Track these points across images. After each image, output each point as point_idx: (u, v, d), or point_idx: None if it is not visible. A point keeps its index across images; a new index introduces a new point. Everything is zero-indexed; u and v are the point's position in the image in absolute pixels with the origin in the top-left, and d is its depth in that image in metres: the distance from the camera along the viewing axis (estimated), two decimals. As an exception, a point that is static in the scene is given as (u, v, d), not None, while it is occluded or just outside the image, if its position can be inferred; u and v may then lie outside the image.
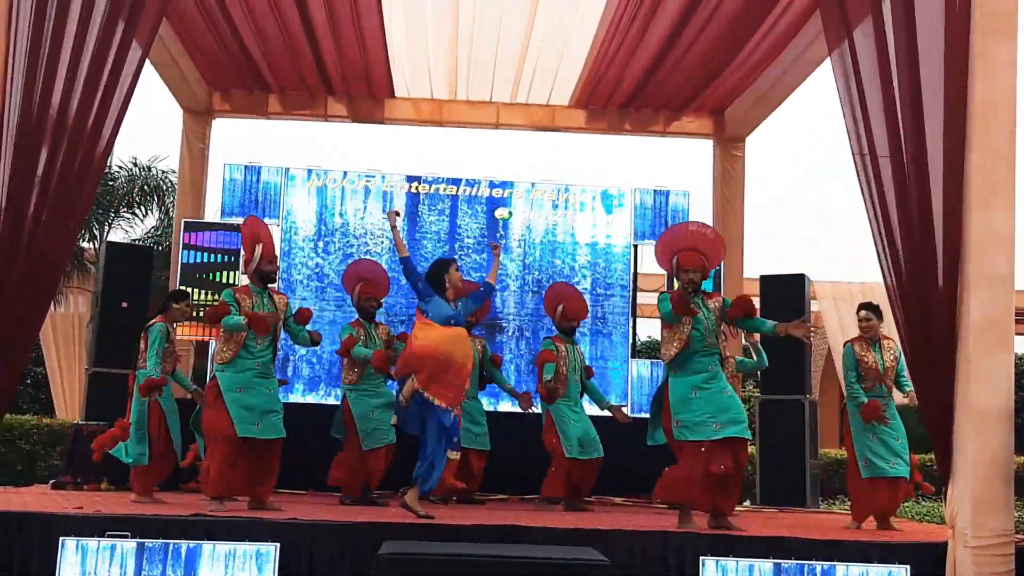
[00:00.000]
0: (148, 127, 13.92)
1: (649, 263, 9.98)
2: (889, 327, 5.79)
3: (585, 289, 9.11)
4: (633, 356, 9.23)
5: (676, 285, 5.91)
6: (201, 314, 8.60)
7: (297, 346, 6.31)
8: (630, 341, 9.27)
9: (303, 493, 7.35)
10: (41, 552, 4.66)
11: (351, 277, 7.25)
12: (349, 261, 8.39)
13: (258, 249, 6.05)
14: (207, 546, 4.31)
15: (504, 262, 8.84)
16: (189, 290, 8.18)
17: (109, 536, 4.33)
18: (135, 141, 18.34)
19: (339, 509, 6.25)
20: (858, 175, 5.06)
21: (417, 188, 9.30)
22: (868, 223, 5.03)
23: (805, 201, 35.20)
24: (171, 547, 4.27)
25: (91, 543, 4.26)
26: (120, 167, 13.83)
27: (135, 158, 13.97)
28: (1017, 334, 5.38)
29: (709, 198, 9.92)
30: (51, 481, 7.54)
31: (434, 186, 9.33)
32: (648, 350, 15.06)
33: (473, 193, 9.34)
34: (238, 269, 8.92)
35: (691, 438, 5.45)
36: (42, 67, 4.92)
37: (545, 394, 7.17)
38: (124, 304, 7.99)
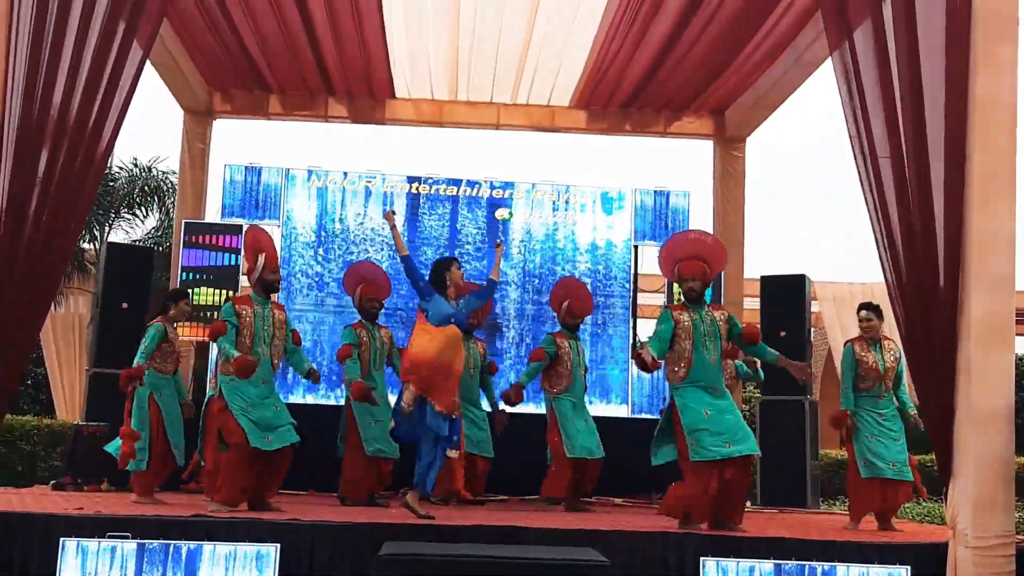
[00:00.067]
0: (148, 128, 13.91)
1: (649, 264, 9.99)
2: (891, 327, 5.80)
3: (585, 289, 9.09)
4: (633, 357, 9.22)
5: (677, 293, 5.93)
6: (201, 315, 8.63)
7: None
8: (630, 342, 9.26)
9: (303, 493, 7.35)
10: (41, 553, 4.66)
11: (351, 279, 7.26)
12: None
13: (261, 258, 6.04)
14: (207, 547, 4.31)
15: (504, 267, 8.84)
16: (188, 290, 8.18)
17: (109, 537, 4.33)
18: (135, 142, 18.35)
19: (339, 510, 6.25)
20: (859, 175, 5.07)
21: (417, 189, 9.30)
22: (869, 223, 5.03)
23: (805, 201, 35.19)
24: (171, 548, 4.27)
25: (91, 544, 4.26)
26: (120, 168, 13.81)
27: (135, 159, 13.96)
28: (1017, 334, 5.37)
29: (709, 198, 9.92)
30: (51, 482, 7.53)
31: (434, 187, 9.33)
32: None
33: (473, 194, 9.34)
34: (239, 272, 8.92)
35: (708, 458, 5.43)
36: (43, 68, 4.92)
37: (506, 397, 7.30)
38: (124, 305, 7.99)
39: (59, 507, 5.46)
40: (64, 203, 4.94)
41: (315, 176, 9.26)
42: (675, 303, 6.00)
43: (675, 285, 5.99)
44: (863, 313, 6.48)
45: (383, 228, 9.04)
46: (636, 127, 9.95)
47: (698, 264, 5.76)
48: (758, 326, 5.98)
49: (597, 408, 8.02)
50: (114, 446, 6.41)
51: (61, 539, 4.28)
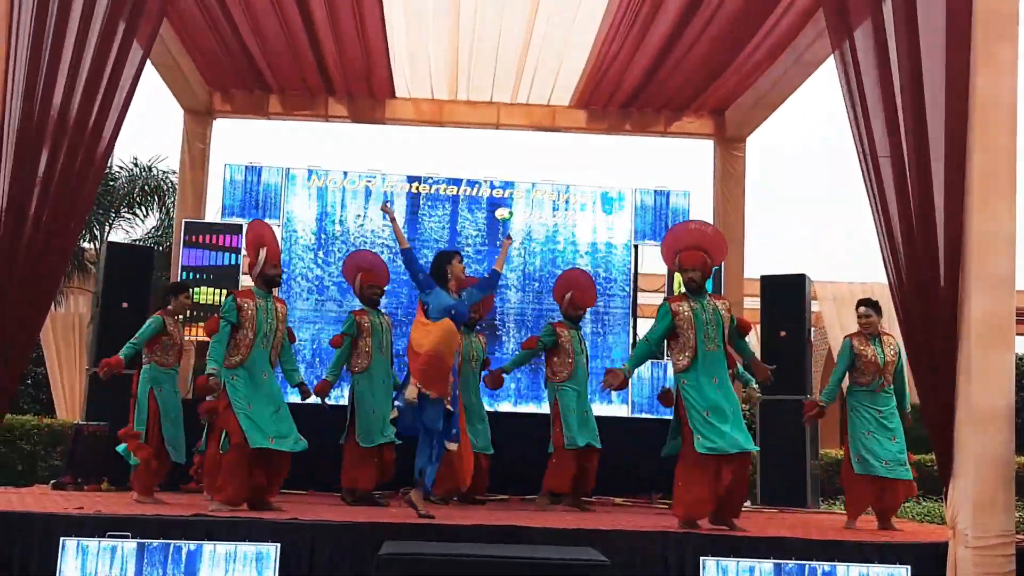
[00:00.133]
0: (149, 127, 13.91)
1: (649, 263, 10.01)
2: (892, 325, 5.82)
3: (586, 289, 9.09)
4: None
5: (678, 284, 5.97)
6: (200, 315, 8.63)
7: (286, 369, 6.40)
8: (630, 341, 9.26)
9: (303, 493, 7.35)
10: (41, 552, 4.66)
11: (351, 268, 7.30)
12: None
13: (262, 253, 6.04)
14: (207, 546, 4.31)
15: (504, 269, 8.83)
16: (188, 283, 8.19)
17: (109, 536, 4.33)
18: (136, 141, 18.35)
19: (339, 509, 6.24)
20: (862, 175, 5.07)
21: (417, 188, 9.30)
22: (871, 222, 5.04)
23: (805, 201, 35.20)
24: (171, 547, 4.27)
25: (91, 544, 4.26)
26: (121, 167, 13.81)
27: (136, 158, 13.97)
28: (1017, 334, 5.38)
29: (709, 198, 9.92)
30: (52, 481, 7.53)
31: (434, 186, 9.33)
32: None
33: (474, 193, 9.34)
34: (239, 272, 8.92)
35: (711, 451, 5.48)
36: (43, 68, 4.92)
37: (488, 382, 7.38)
38: (124, 304, 7.99)
39: (59, 507, 5.45)
40: (64, 203, 4.94)
41: (315, 176, 9.27)
42: (676, 294, 6.02)
43: (676, 276, 6.03)
44: (862, 309, 6.49)
45: (383, 230, 9.03)
46: (636, 127, 9.95)
47: (699, 254, 5.80)
48: (749, 322, 6.09)
49: (597, 408, 7.99)
50: (123, 447, 6.44)
51: (61, 538, 4.28)
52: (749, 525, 5.63)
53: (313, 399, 6.61)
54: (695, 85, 9.16)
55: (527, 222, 9.34)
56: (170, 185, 13.35)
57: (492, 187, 9.37)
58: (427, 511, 5.47)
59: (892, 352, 6.35)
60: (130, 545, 4.26)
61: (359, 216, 9.21)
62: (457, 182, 9.37)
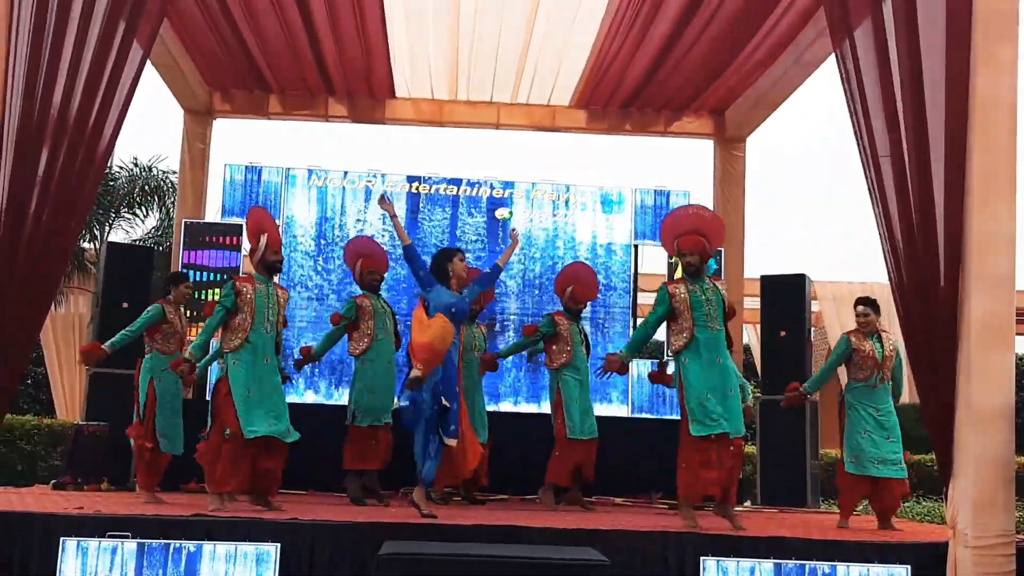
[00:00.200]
0: (149, 127, 13.92)
1: (649, 263, 10.01)
2: (892, 325, 5.83)
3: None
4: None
5: (678, 267, 6.07)
6: (199, 315, 8.63)
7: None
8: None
9: (303, 493, 7.35)
10: (41, 552, 4.66)
11: (351, 253, 7.36)
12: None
13: (263, 239, 6.04)
14: (207, 546, 4.31)
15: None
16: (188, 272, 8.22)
17: (109, 536, 4.33)
18: (136, 141, 18.37)
19: (339, 509, 6.24)
20: (863, 174, 5.07)
21: (418, 188, 9.30)
22: (871, 222, 5.04)
23: (805, 201, 35.20)
24: (171, 547, 4.27)
25: (91, 543, 4.26)
26: (121, 167, 13.83)
27: (136, 158, 13.99)
28: (1017, 334, 5.38)
29: (709, 198, 9.91)
30: (51, 481, 7.53)
31: (434, 186, 9.33)
32: (649, 350, 15.02)
33: (474, 193, 9.33)
34: (239, 272, 8.91)
35: (703, 433, 5.57)
36: (43, 68, 4.92)
37: (483, 364, 7.42)
38: (124, 304, 8.00)
39: (59, 507, 5.45)
40: (64, 203, 4.94)
41: (315, 176, 9.26)
42: (674, 278, 6.10)
43: (676, 261, 6.12)
44: (860, 308, 6.50)
45: (383, 234, 9.00)
46: (636, 127, 9.95)
47: (697, 239, 5.87)
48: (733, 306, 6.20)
49: (597, 408, 7.98)
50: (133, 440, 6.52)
51: (61, 538, 4.28)
52: (749, 525, 5.64)
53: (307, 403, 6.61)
54: (695, 85, 9.15)
55: (527, 222, 9.33)
56: (170, 185, 13.36)
57: (492, 187, 9.37)
58: (430, 511, 5.47)
59: (890, 347, 6.36)
60: (130, 545, 4.26)
61: (359, 220, 9.18)
62: (457, 182, 9.36)
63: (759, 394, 7.93)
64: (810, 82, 8.47)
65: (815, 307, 11.55)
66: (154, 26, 5.48)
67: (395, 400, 7.08)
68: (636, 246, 9.41)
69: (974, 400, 4.65)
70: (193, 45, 8.64)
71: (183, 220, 9.23)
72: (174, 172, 12.13)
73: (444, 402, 5.62)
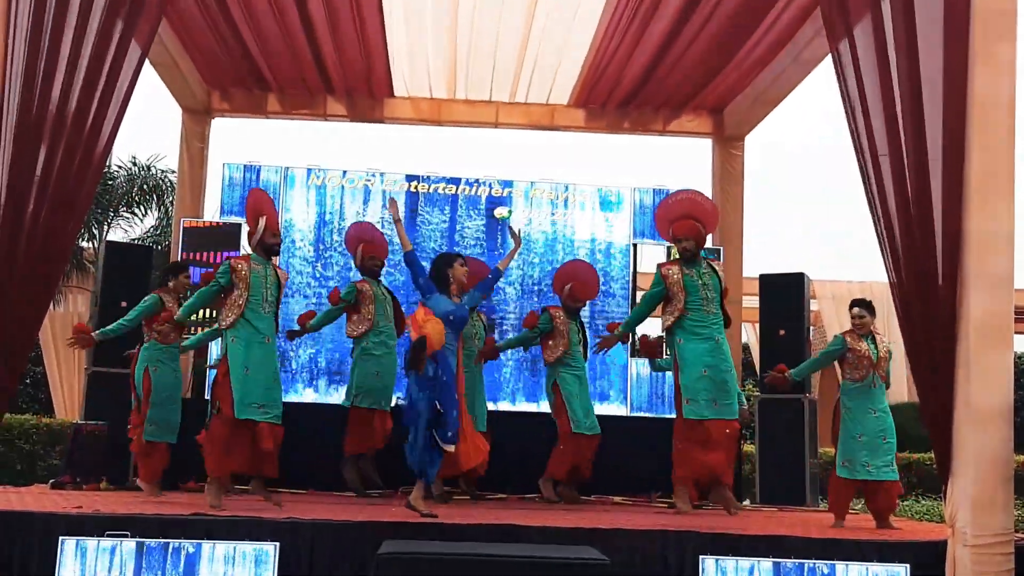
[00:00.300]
0: (147, 126, 13.91)
1: (649, 263, 9.98)
2: (891, 324, 5.85)
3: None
4: (633, 356, 9.21)
5: (675, 253, 6.16)
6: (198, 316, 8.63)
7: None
8: (629, 341, 9.25)
9: (303, 493, 7.35)
10: (41, 552, 4.65)
11: (353, 239, 7.47)
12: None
13: (262, 222, 6.03)
14: (207, 546, 4.30)
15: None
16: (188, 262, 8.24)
17: (109, 536, 4.33)
18: (134, 140, 18.35)
19: (339, 509, 6.23)
20: (861, 173, 5.07)
21: (417, 187, 9.29)
22: (870, 221, 5.04)
23: (804, 200, 35.20)
24: (171, 547, 4.27)
25: (91, 543, 4.26)
26: (119, 166, 13.82)
27: (134, 157, 13.98)
28: (1017, 333, 5.38)
29: (708, 197, 9.90)
30: (50, 481, 7.53)
31: (433, 185, 9.32)
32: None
33: (473, 192, 9.33)
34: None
35: (697, 417, 5.64)
36: (41, 67, 4.91)
37: (488, 348, 7.46)
38: (123, 303, 7.99)
39: (58, 506, 5.45)
40: (63, 202, 4.94)
41: (314, 175, 9.25)
42: (669, 260, 6.15)
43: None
44: (855, 310, 6.49)
45: (383, 232, 8.99)
46: (635, 125, 9.94)
47: (692, 224, 5.98)
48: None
49: (597, 408, 7.99)
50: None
51: (60, 538, 4.28)
52: (748, 524, 5.64)
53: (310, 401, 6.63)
54: (694, 83, 9.15)
55: (526, 221, 9.31)
56: (169, 184, 13.36)
57: (491, 186, 9.36)
58: (430, 511, 5.46)
59: (884, 348, 6.37)
60: (129, 544, 4.26)
61: (359, 218, 9.16)
62: (456, 181, 9.36)
63: (757, 393, 7.93)
64: (809, 80, 8.47)
65: (814, 306, 11.55)
66: (153, 25, 5.47)
67: (394, 397, 7.10)
68: (635, 245, 9.40)
69: (973, 399, 4.65)
70: (192, 44, 8.63)
71: (182, 219, 9.23)
72: (173, 171, 12.12)
73: (439, 407, 5.56)
